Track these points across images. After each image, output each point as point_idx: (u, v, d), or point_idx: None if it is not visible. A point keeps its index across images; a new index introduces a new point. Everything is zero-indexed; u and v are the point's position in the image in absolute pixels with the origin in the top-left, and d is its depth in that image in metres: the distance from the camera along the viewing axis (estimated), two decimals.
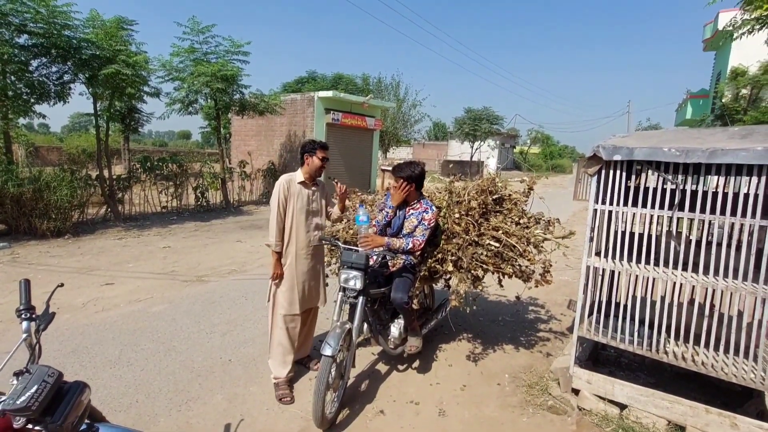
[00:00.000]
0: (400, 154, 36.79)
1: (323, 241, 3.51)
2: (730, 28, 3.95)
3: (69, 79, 8.03)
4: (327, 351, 2.56)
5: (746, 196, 2.34)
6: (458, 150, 35.56)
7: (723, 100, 17.47)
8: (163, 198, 10.62)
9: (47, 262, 6.20)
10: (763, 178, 2.26)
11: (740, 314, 2.60)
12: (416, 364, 3.59)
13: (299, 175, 3.12)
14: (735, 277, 2.49)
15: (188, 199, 11.27)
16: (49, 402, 1.50)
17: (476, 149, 29.18)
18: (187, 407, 2.92)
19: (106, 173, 9.05)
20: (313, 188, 3.16)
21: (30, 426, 1.40)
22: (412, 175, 3.08)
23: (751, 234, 2.46)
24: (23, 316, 1.66)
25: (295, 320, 3.20)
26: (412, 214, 3.17)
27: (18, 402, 1.32)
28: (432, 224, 3.13)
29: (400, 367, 3.56)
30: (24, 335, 1.63)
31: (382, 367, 3.55)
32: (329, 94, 12.96)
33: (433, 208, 3.16)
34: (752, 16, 3.51)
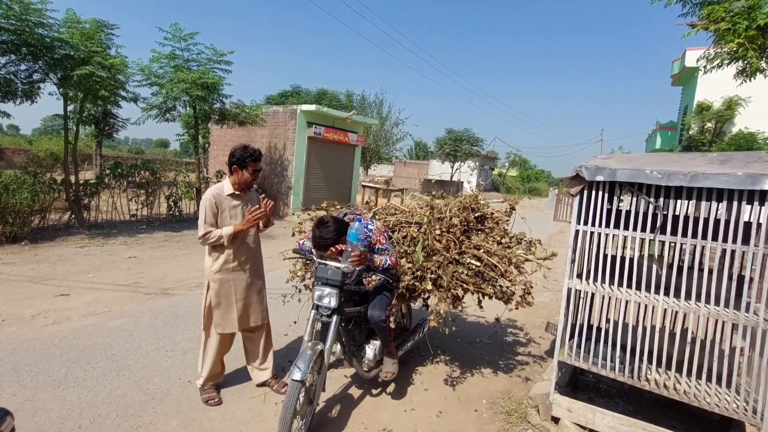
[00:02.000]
0: (382, 171, 36.94)
1: (295, 255, 3.34)
2: (703, 60, 4.06)
3: (39, 78, 7.67)
4: (296, 375, 2.37)
5: (727, 222, 2.33)
6: (439, 169, 35.97)
7: (690, 132, 18.31)
8: (133, 206, 10.18)
9: None
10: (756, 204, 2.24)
11: (719, 342, 2.56)
12: (391, 388, 3.41)
13: (227, 186, 2.90)
14: (717, 303, 2.45)
15: (160, 208, 10.86)
16: None
17: (456, 169, 29.56)
18: None
19: (72, 178, 8.61)
20: (244, 198, 2.96)
21: None
22: (333, 241, 2.73)
23: (732, 260, 2.44)
24: None
25: (229, 337, 3.07)
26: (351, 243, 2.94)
27: None
28: (386, 238, 2.97)
29: (374, 391, 3.36)
30: None
31: (354, 391, 3.35)
32: (312, 107, 12.87)
33: (371, 223, 2.96)
34: (724, 50, 3.61)
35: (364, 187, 14.39)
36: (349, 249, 2.77)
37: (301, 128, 12.87)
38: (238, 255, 2.94)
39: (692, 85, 19.31)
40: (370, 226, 2.95)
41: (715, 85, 16.71)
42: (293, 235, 3.83)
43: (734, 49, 3.40)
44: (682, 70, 19.71)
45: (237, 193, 2.92)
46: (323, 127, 13.24)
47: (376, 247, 2.91)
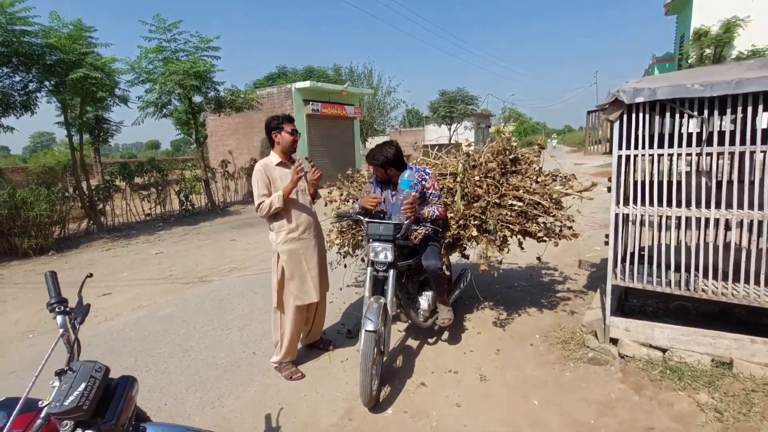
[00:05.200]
0: (379, 142, 36.58)
1: (341, 219, 3.40)
2: None
3: (34, 87, 7.55)
4: (369, 326, 2.46)
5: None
6: (435, 134, 35.57)
7: (689, 61, 17.92)
8: (146, 205, 10.23)
9: (34, 280, 5.86)
10: None
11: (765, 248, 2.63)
12: (445, 335, 3.53)
13: (274, 157, 2.92)
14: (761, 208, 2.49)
15: (172, 204, 10.90)
16: (98, 401, 1.36)
17: (454, 131, 29.26)
18: (220, 403, 2.78)
19: (84, 185, 8.62)
20: (291, 167, 2.96)
21: (79, 430, 1.25)
22: (387, 159, 2.95)
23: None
24: (57, 309, 1.50)
25: (310, 310, 3.09)
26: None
27: (66, 403, 1.16)
28: (437, 188, 3.04)
29: (430, 341, 3.49)
30: (60, 330, 1.47)
31: (412, 342, 3.48)
32: (306, 84, 12.67)
33: (428, 171, 3.05)
34: None
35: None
36: (401, 197, 2.83)
37: (299, 107, 12.71)
38: (300, 223, 2.95)
39: (687, 12, 18.73)
40: (428, 170, 3.05)
41: (711, 9, 16.24)
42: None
43: None
44: None
45: (285, 162, 2.95)
46: (320, 103, 13.08)
47: (429, 192, 2.97)
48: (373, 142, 32.35)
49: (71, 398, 1.19)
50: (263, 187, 2.84)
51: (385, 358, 2.86)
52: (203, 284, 5.37)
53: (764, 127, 2.57)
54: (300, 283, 2.94)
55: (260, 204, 2.82)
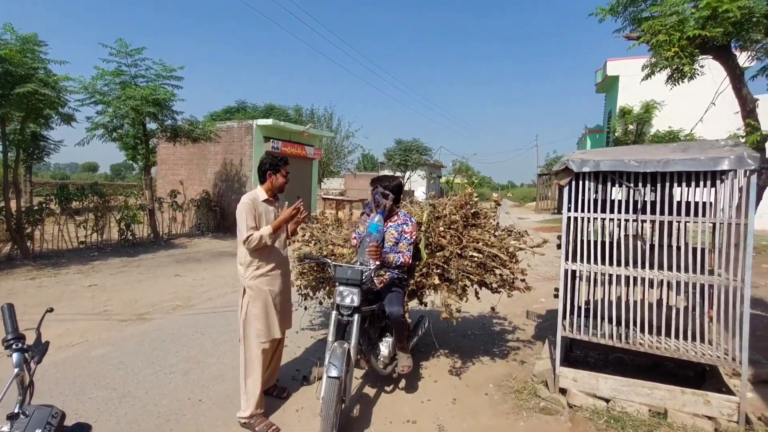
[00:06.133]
0: (333, 184, 36.88)
1: (305, 260, 3.40)
2: (648, 69, 4.48)
3: None
4: (333, 372, 2.43)
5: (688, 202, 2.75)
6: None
7: (616, 135, 20.28)
8: (81, 232, 9.44)
9: None
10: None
11: (692, 307, 2.99)
12: (402, 383, 3.52)
13: (261, 193, 2.99)
14: (686, 270, 2.86)
15: (110, 233, 10.15)
16: None
17: (407, 179, 30.29)
18: None
19: (13, 205, 7.85)
20: (276, 204, 3.09)
21: None
22: (389, 187, 3.14)
23: (681, 233, 2.87)
24: (14, 346, 1.40)
25: (272, 347, 3.01)
26: (390, 226, 3.20)
27: None
28: (414, 237, 3.18)
29: (387, 389, 3.46)
30: (16, 370, 1.37)
31: (369, 390, 3.43)
32: (269, 122, 12.72)
33: (412, 220, 3.22)
34: (666, 55, 4.09)
35: (324, 199, 14.39)
36: (368, 239, 2.92)
37: (258, 143, 12.66)
38: (272, 260, 2.94)
39: (614, 92, 21.42)
40: (412, 219, 3.23)
41: (634, 91, 18.70)
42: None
43: (671, 56, 3.97)
44: (604, 79, 21.81)
45: (270, 199, 3.00)
46: (280, 141, 13.13)
47: (404, 236, 3.09)
48: (328, 183, 32.57)
49: None
50: (252, 220, 2.82)
51: (344, 406, 2.80)
52: (143, 322, 4.98)
53: (678, 200, 3.00)
54: (264, 319, 2.88)
55: (249, 237, 2.77)
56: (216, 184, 13.43)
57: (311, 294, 3.99)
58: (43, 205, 8.51)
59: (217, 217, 12.97)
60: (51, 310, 1.62)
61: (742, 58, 4.37)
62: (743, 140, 3.83)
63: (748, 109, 3.99)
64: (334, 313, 2.88)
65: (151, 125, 10.82)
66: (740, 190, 2.69)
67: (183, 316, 5.21)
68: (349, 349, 2.69)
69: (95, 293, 6.17)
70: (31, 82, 6.91)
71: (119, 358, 3.92)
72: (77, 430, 1.40)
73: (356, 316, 2.84)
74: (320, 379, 2.63)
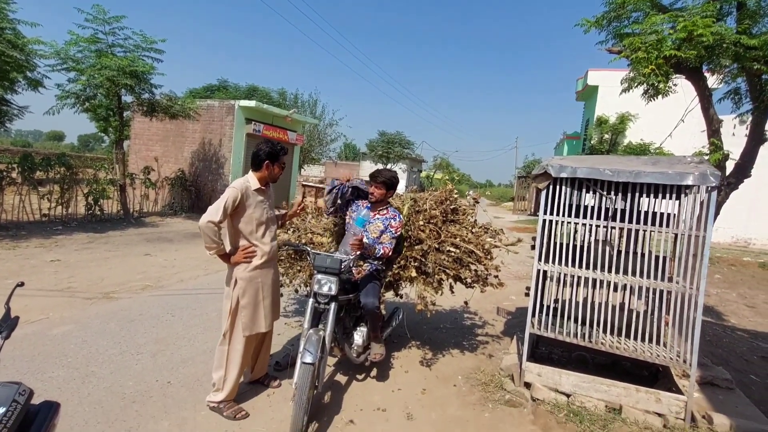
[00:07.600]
0: (313, 171, 36.50)
1: (288, 247, 3.39)
2: (626, 83, 4.67)
3: None
4: (308, 358, 2.45)
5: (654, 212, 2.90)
6: (370, 171, 36.49)
7: (592, 142, 20.92)
8: (45, 204, 9.02)
9: None
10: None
11: (650, 311, 3.17)
12: (374, 372, 3.59)
13: (254, 181, 2.83)
14: (648, 276, 3.03)
15: (77, 207, 9.75)
16: (17, 427, 1.26)
17: None
18: None
19: None
20: (267, 194, 2.95)
21: None
22: (387, 181, 3.17)
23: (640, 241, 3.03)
24: None
25: (257, 338, 2.99)
26: (378, 218, 3.24)
27: None
28: (398, 233, 3.23)
29: (359, 377, 3.51)
30: None
31: (341, 378, 3.47)
32: (251, 104, 12.44)
33: (401, 216, 3.28)
34: (644, 71, 4.28)
35: (304, 186, 14.24)
36: (353, 231, 2.94)
37: (239, 124, 12.39)
38: (265, 253, 2.87)
39: (593, 101, 22.03)
40: (400, 215, 3.31)
41: (611, 102, 19.28)
42: None
43: (648, 73, 4.13)
44: (584, 88, 22.39)
45: (263, 188, 2.86)
46: (262, 124, 12.88)
47: (389, 229, 3.14)
48: (308, 170, 32.21)
49: None
50: (231, 208, 2.66)
51: (317, 392, 2.83)
52: (109, 301, 4.84)
53: (646, 210, 3.16)
54: (252, 312, 2.83)
55: (211, 221, 2.58)
56: (192, 163, 13.07)
57: (287, 282, 3.99)
58: (4, 173, 8.08)
59: (192, 197, 12.65)
60: (22, 284, 1.57)
61: (712, 80, 4.61)
62: (707, 158, 4.05)
63: (713, 129, 4.22)
64: (311, 300, 2.90)
65: (127, 98, 10.41)
66: (701, 204, 2.86)
67: (152, 297, 5.10)
68: (324, 337, 2.72)
69: (58, 269, 5.94)
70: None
71: (83, 337, 3.81)
72: (45, 409, 1.38)
73: (333, 305, 2.87)
74: (293, 365, 2.66)
